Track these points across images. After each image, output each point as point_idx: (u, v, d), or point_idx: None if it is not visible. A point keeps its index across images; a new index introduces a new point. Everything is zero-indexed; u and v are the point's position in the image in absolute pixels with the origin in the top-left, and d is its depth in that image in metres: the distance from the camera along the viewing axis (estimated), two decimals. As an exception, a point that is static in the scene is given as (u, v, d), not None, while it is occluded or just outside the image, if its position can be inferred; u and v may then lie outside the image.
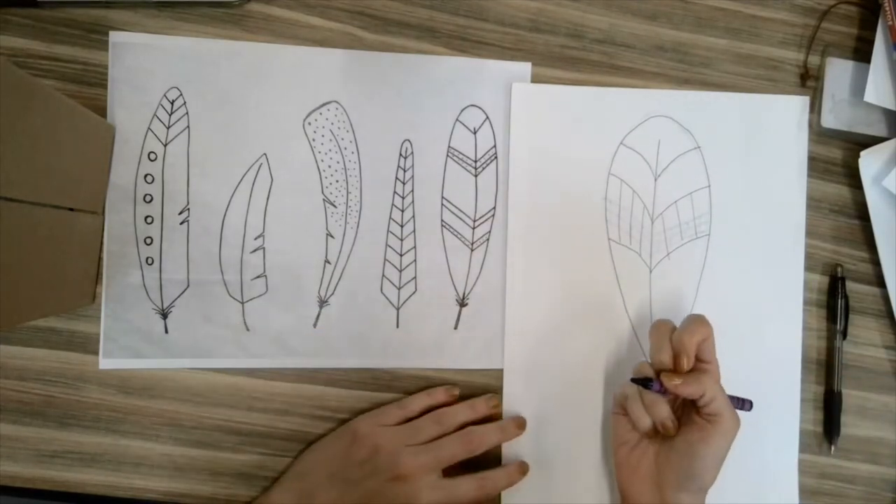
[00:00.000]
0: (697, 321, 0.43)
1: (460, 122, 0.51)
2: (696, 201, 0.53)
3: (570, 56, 0.52)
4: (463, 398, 0.50)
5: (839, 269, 0.53)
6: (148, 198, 0.48)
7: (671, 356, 0.43)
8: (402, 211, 0.51)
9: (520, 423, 0.49)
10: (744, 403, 0.45)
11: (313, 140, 0.50)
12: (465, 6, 0.51)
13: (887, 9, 0.51)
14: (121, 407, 0.48)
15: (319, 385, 0.49)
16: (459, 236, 0.51)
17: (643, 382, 0.43)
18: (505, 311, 0.51)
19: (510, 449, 0.50)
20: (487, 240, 0.51)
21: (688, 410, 0.45)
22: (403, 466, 0.44)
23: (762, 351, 0.52)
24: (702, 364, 0.44)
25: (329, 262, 0.50)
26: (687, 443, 0.43)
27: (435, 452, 0.46)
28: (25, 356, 0.47)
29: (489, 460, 0.49)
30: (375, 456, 0.45)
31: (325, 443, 0.48)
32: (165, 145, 0.49)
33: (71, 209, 0.43)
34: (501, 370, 0.50)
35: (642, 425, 0.44)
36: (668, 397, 0.44)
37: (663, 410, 0.43)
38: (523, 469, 0.49)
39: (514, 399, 0.50)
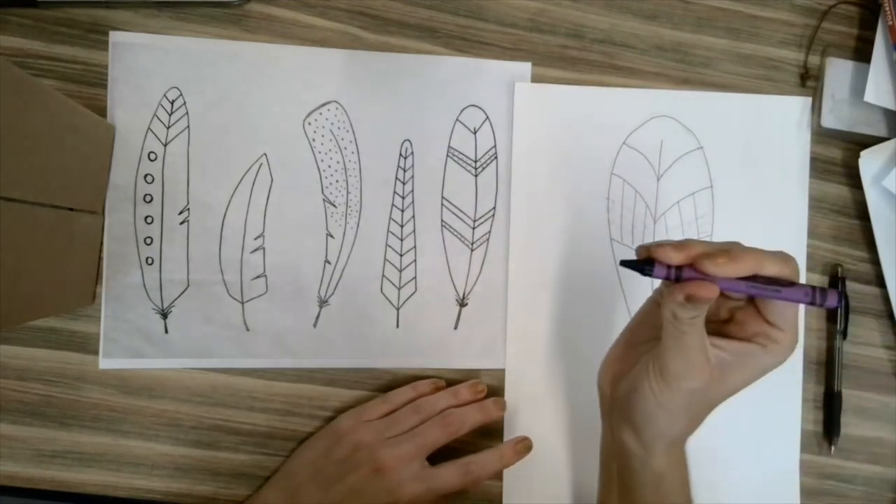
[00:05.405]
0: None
1: (460, 122, 0.51)
2: (698, 202, 0.53)
3: (569, 56, 0.52)
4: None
5: (839, 269, 0.53)
6: (148, 198, 0.48)
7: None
8: (402, 211, 0.50)
9: (499, 403, 0.48)
10: (825, 297, 0.32)
11: (313, 140, 0.50)
12: (465, 6, 0.51)
13: (887, 9, 0.51)
14: (121, 407, 0.48)
15: (319, 385, 0.49)
16: (459, 236, 0.51)
17: (634, 266, 0.32)
18: (507, 311, 0.51)
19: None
20: (487, 240, 0.51)
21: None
22: (383, 459, 0.43)
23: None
24: (772, 329, 0.34)
25: (329, 262, 0.50)
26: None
27: (414, 440, 0.45)
28: (25, 356, 0.47)
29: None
30: (355, 453, 0.44)
31: (311, 441, 0.48)
32: (165, 145, 0.49)
33: (71, 209, 0.43)
34: (501, 370, 0.50)
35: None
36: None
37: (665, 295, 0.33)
38: (518, 449, 0.47)
39: (516, 399, 0.50)
